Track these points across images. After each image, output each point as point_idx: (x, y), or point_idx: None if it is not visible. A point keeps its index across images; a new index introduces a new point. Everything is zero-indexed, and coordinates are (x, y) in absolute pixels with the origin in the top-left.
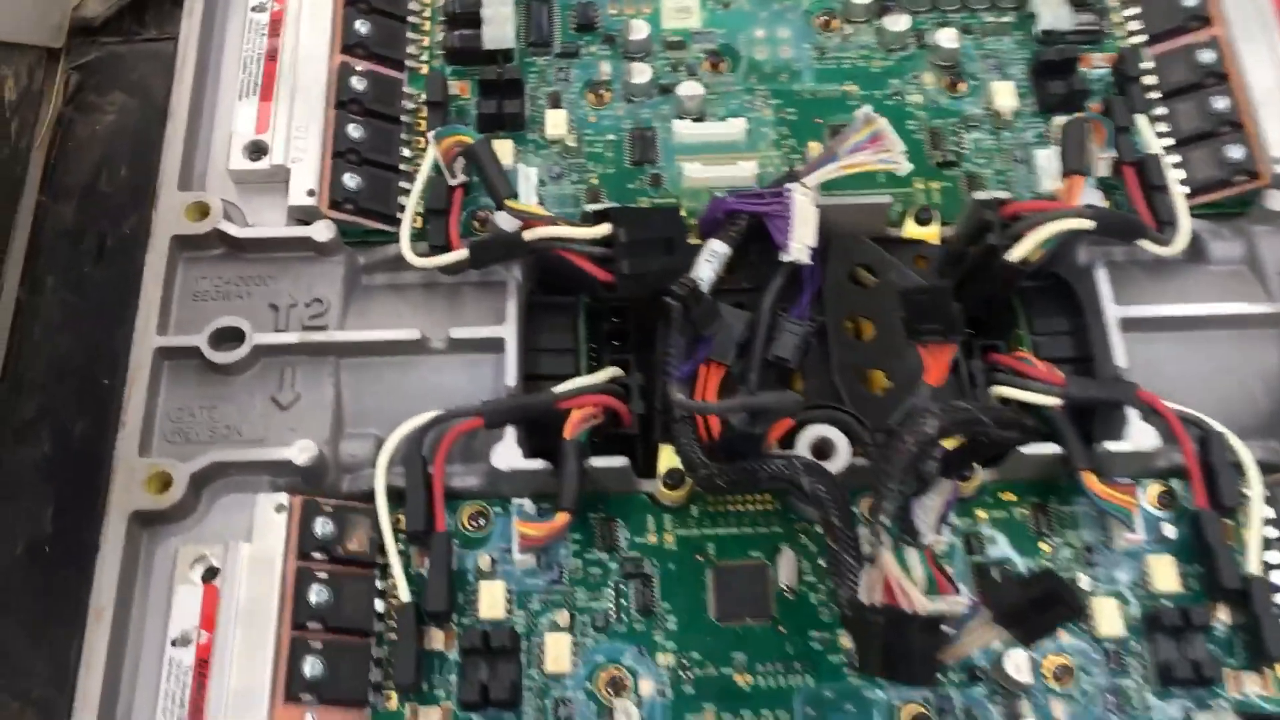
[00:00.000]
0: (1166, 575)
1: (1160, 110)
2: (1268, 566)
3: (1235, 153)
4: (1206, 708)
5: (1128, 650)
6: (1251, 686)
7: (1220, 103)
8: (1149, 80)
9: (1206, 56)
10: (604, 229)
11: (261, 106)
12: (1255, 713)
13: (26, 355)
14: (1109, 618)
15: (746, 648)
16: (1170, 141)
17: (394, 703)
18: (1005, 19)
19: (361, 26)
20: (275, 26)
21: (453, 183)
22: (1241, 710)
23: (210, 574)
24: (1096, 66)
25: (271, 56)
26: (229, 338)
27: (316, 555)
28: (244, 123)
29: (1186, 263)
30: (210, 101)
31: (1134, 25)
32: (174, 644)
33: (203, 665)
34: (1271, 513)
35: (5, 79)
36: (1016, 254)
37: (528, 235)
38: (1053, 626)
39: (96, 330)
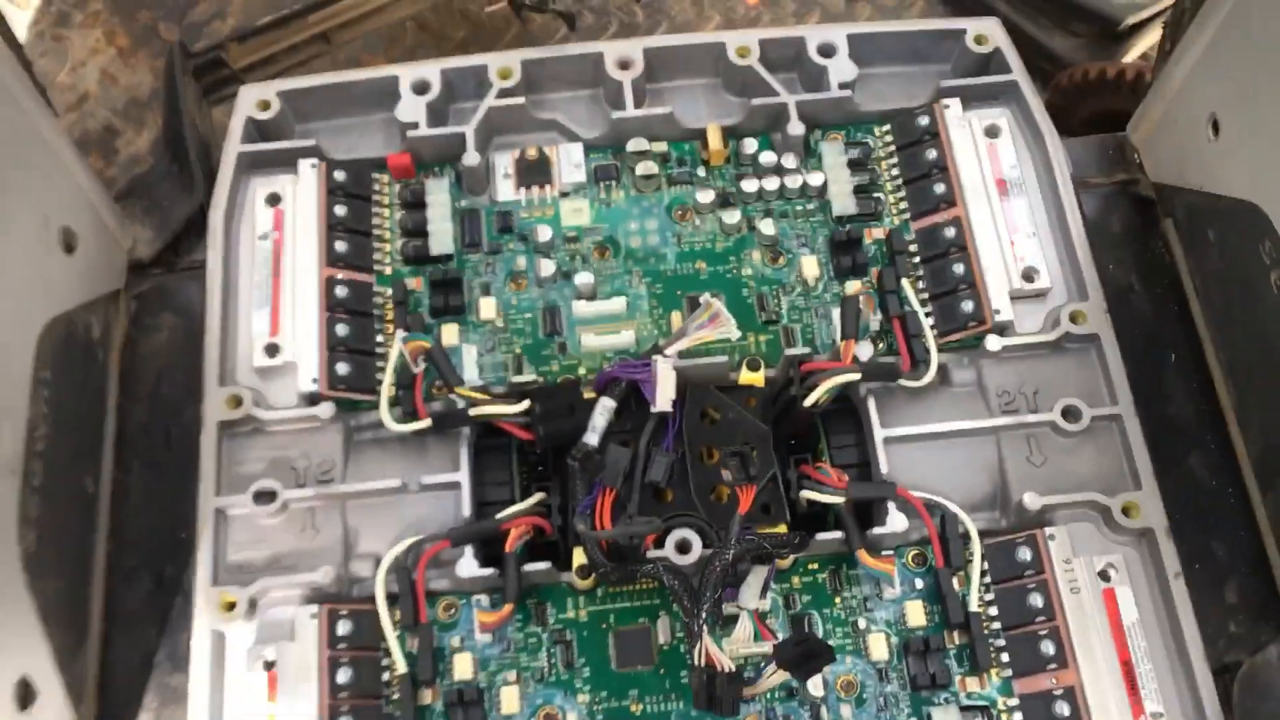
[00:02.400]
0: (916, 614)
1: (920, 272)
2: (984, 604)
3: (968, 306)
4: (941, 704)
5: (892, 668)
6: (973, 687)
7: (959, 268)
8: (912, 249)
9: (950, 232)
10: (524, 405)
11: (272, 314)
12: (974, 705)
13: (125, 519)
14: (878, 646)
15: (638, 686)
16: (925, 295)
17: None
18: (810, 206)
19: (340, 245)
20: (277, 251)
21: (415, 371)
22: (964, 704)
23: (269, 665)
24: (875, 239)
25: (275, 274)
26: (266, 497)
27: (340, 646)
28: (260, 328)
29: (936, 386)
30: (234, 312)
31: (902, 205)
32: (248, 717)
33: None
34: (986, 565)
35: (91, 324)
36: (809, 400)
37: (473, 412)
38: (818, 669)
39: (173, 497)
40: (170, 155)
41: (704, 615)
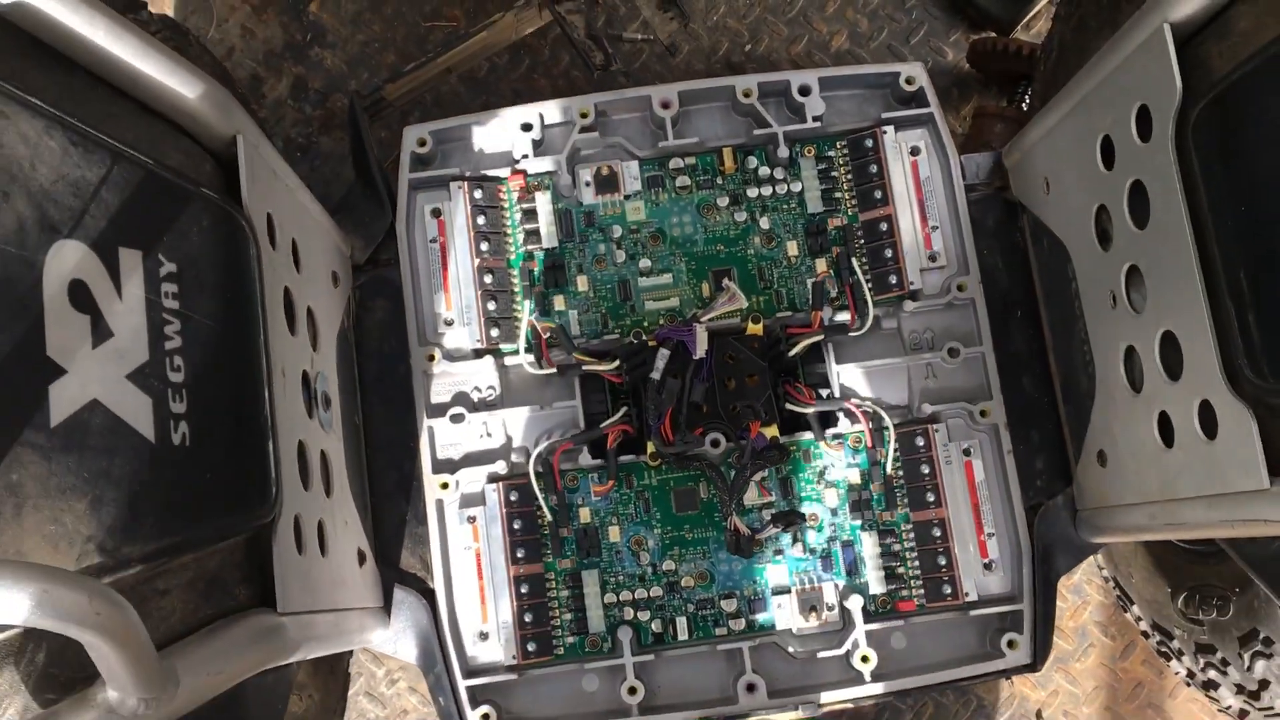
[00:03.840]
0: (855, 476)
1: (864, 253)
2: (896, 470)
3: (893, 278)
4: (867, 529)
5: (839, 509)
6: (886, 518)
7: (889, 251)
8: (859, 235)
9: (884, 226)
10: (615, 364)
11: (444, 295)
12: (887, 528)
13: (376, 439)
14: (830, 496)
15: (689, 523)
16: (866, 268)
17: (551, 558)
18: (792, 205)
19: (483, 244)
20: (443, 251)
21: (545, 337)
22: (881, 528)
23: (471, 519)
24: (836, 226)
25: (444, 267)
26: (457, 417)
27: (511, 505)
28: (439, 306)
29: (871, 332)
30: (420, 295)
31: (854, 204)
32: (464, 550)
33: (478, 557)
34: (897, 447)
35: (345, 320)
36: (791, 352)
37: (584, 368)
38: (797, 525)
39: (401, 422)
40: (363, 182)
41: (733, 504)
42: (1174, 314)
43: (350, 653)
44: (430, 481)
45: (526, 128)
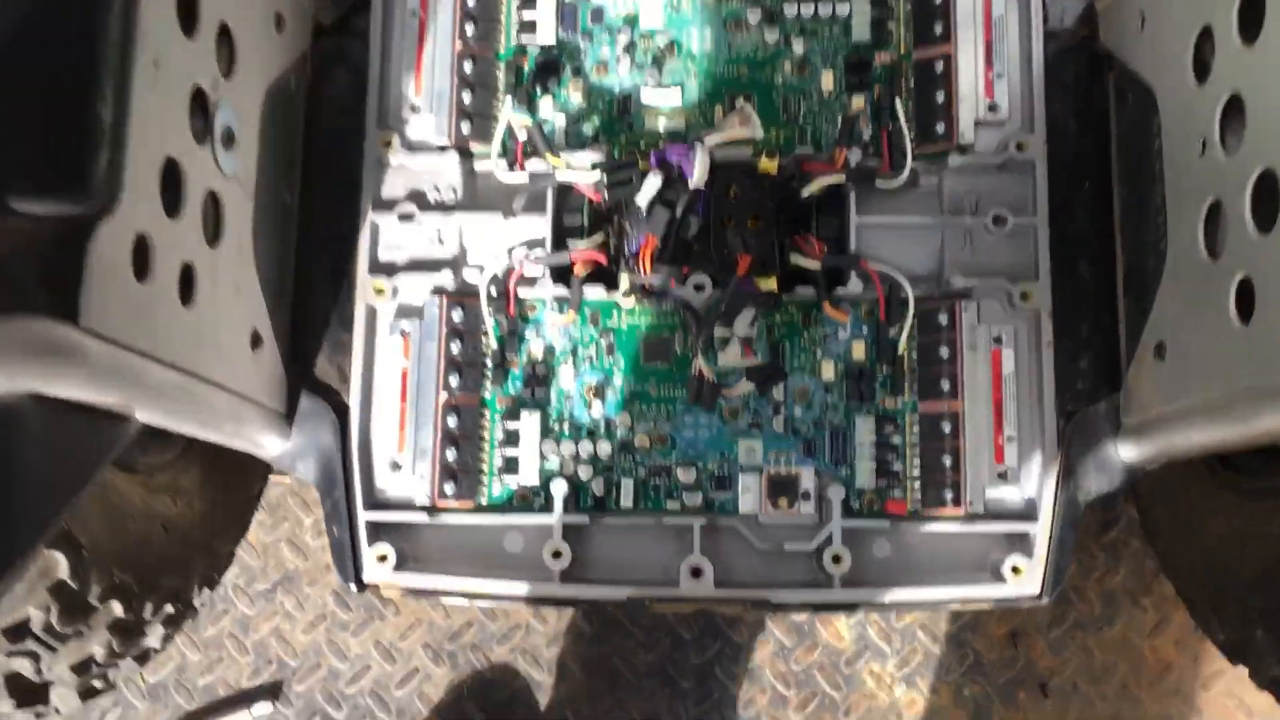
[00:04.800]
0: (859, 350)
1: (910, 96)
2: (908, 348)
3: (941, 127)
4: (865, 413)
5: (834, 385)
6: (889, 405)
7: (940, 95)
8: (909, 75)
9: (939, 67)
10: (596, 174)
11: (415, 78)
12: (888, 415)
13: (310, 223)
14: (827, 369)
15: (656, 377)
16: (911, 115)
17: (490, 394)
18: (835, 30)
19: (468, 26)
20: (421, 27)
21: (520, 139)
22: (880, 414)
23: (404, 333)
24: (883, 62)
25: (419, 46)
26: (407, 216)
27: (453, 325)
28: (407, 88)
29: (906, 188)
30: (389, 74)
31: (907, 38)
32: (391, 366)
33: (404, 376)
34: (915, 323)
35: (290, 81)
36: (805, 191)
37: (558, 175)
38: (773, 385)
39: (342, 209)
40: None
41: (699, 343)
42: (1277, 145)
43: (261, 482)
44: (364, 283)
45: None
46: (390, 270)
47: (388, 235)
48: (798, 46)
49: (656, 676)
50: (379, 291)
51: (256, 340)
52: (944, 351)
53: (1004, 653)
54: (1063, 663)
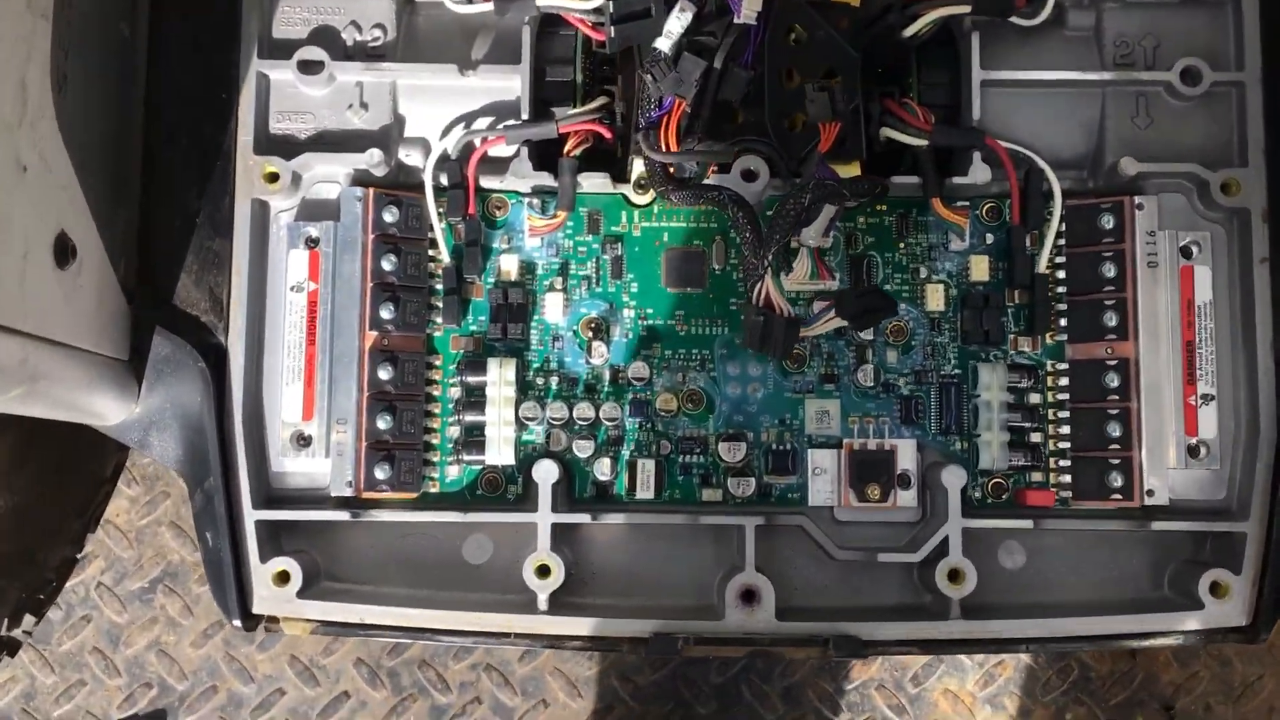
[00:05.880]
0: (981, 269)
1: None
2: (1053, 266)
3: None
4: (990, 361)
5: (945, 319)
6: (1023, 347)
7: None
8: None
9: None
10: (598, 1)
11: None
12: (1022, 364)
13: (162, 73)
14: (935, 296)
15: (686, 307)
16: None
17: (441, 332)
18: None
19: None
20: None
21: None
22: (1013, 362)
23: (312, 242)
24: None
25: None
26: (312, 66)
27: (385, 231)
28: None
29: (1049, 26)
30: None
31: None
32: (292, 289)
33: (312, 305)
34: (1064, 228)
35: None
36: (909, 30)
37: (538, 2)
38: (876, 322)
39: (213, 52)
40: None
41: (770, 257)
42: None
43: (114, 457)
44: (249, 166)
45: None
46: (288, 148)
47: (283, 96)
48: None
49: (666, 700)
50: (271, 178)
51: (66, 251)
52: (1107, 269)
53: (1117, 665)
54: (1191, 676)
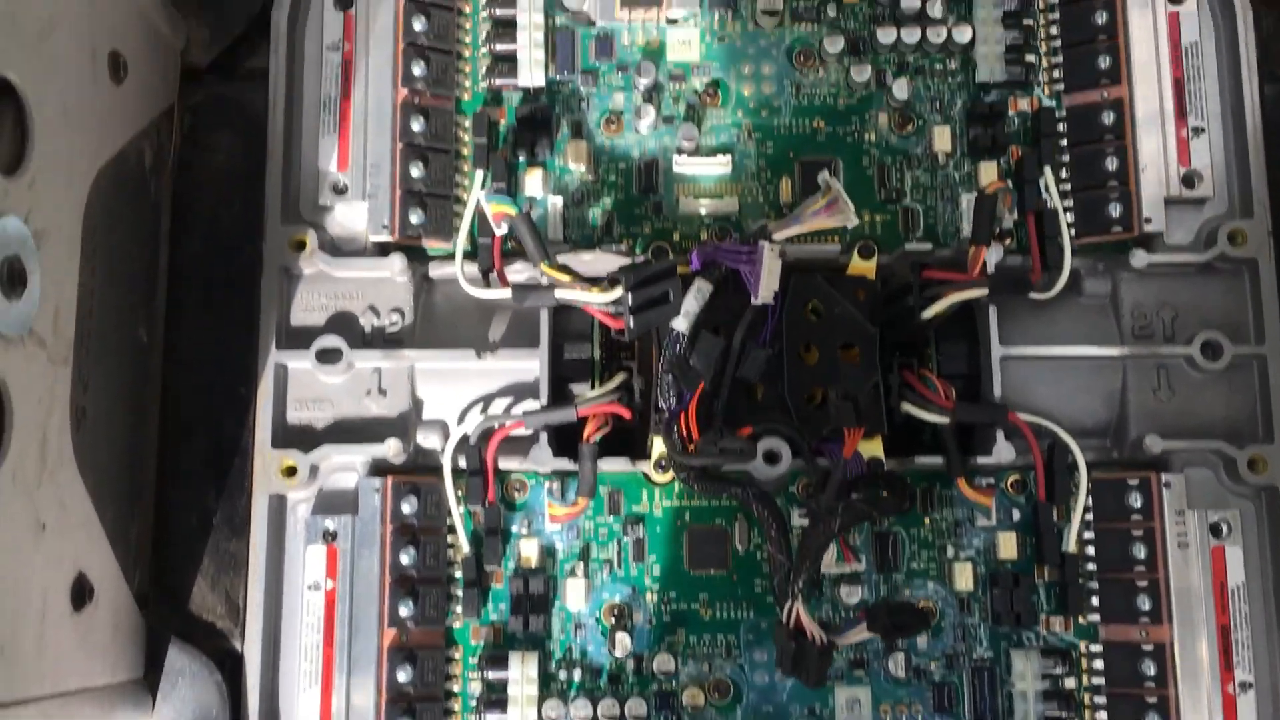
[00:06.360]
0: (1009, 546)
1: (1065, 159)
2: (1082, 544)
3: (1115, 209)
4: (1023, 647)
5: (975, 599)
6: (1055, 627)
7: (1112, 162)
8: (1061, 129)
9: (1108, 117)
10: (615, 293)
11: (340, 143)
12: (1055, 647)
13: (179, 370)
14: (964, 575)
15: (709, 590)
16: (1068, 187)
17: (460, 624)
18: (952, 65)
19: (417, 67)
20: (347, 65)
21: (498, 233)
22: (1045, 645)
23: (329, 537)
24: (1020, 111)
25: (345, 94)
26: (331, 355)
27: (404, 521)
28: (327, 160)
29: (1066, 293)
30: (298, 136)
31: (1057, 75)
32: (310, 588)
33: (330, 604)
34: (1091, 502)
35: (144, 151)
36: (928, 313)
37: (558, 294)
38: (909, 635)
39: (231, 347)
40: None
41: (800, 583)
42: None
43: None
44: (266, 460)
45: None
46: (305, 438)
47: (301, 385)
48: (898, 89)
49: None
50: (289, 472)
51: (82, 592)
52: (1138, 550)
53: None
54: None
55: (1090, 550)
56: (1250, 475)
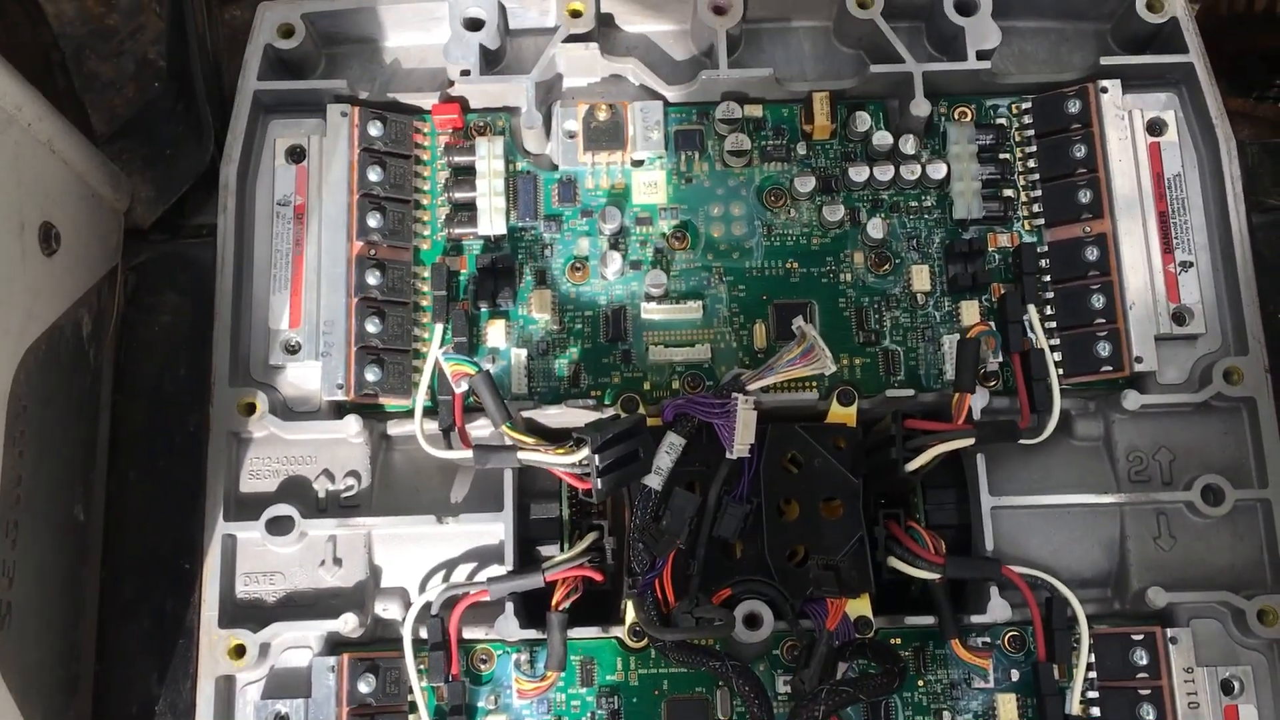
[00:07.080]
0: (1009, 709)
1: (1049, 295)
2: (1086, 704)
3: (1104, 348)
4: None
5: None
6: None
7: (1098, 299)
8: (1044, 265)
9: (1092, 253)
10: (582, 454)
11: (292, 300)
12: None
13: (120, 544)
14: None
15: None
16: (1053, 325)
17: None
18: (928, 202)
19: (373, 218)
20: (299, 219)
21: (457, 391)
22: None
23: None
24: (1000, 247)
25: (298, 249)
26: (282, 524)
27: (362, 704)
28: (278, 318)
29: (1057, 435)
30: (248, 294)
31: (1037, 209)
32: None
33: None
34: (1094, 659)
35: (82, 319)
36: (912, 466)
37: (521, 455)
38: None
39: (175, 517)
40: (176, 87)
41: None
42: None
43: None
44: (213, 641)
45: (474, 25)
46: (255, 614)
47: (250, 555)
48: (873, 228)
49: None
50: (237, 652)
51: None
52: (1146, 711)
53: None
54: None
55: (1095, 710)
56: (1260, 628)
